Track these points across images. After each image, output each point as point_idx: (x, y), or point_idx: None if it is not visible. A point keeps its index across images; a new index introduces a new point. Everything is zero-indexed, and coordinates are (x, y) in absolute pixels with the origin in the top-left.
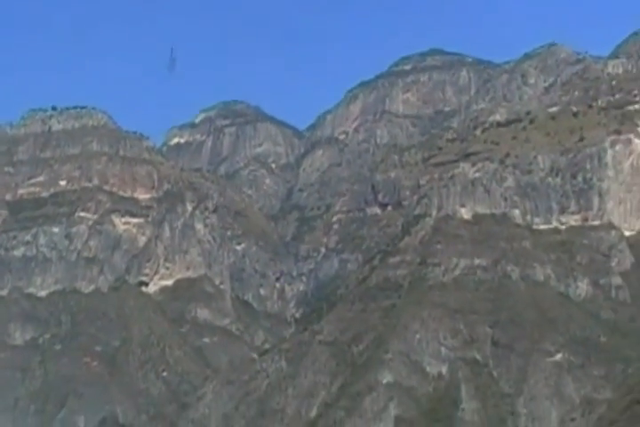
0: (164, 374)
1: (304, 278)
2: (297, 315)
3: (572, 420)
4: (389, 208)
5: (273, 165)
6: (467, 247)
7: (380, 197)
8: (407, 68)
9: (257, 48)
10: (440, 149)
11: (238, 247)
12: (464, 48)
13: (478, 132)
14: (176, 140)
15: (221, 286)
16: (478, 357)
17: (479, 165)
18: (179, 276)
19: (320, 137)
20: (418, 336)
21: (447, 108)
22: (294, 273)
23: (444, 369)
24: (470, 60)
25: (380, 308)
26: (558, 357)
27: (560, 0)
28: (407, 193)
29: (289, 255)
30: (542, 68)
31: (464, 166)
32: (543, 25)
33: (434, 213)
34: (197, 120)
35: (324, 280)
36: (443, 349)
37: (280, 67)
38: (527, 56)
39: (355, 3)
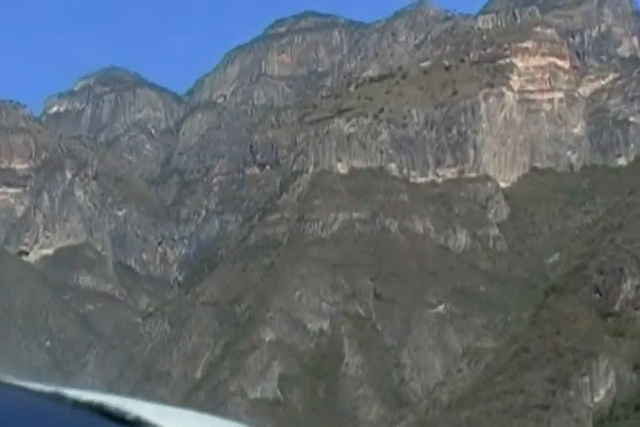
0: (48, 343)
1: (186, 241)
2: (180, 278)
3: (459, 371)
4: (268, 168)
5: (153, 131)
6: (344, 202)
7: (258, 157)
8: (282, 30)
9: (134, 12)
10: (315, 106)
11: (119, 213)
12: (336, 9)
13: (352, 88)
14: (55, 108)
15: (103, 253)
16: (361, 311)
17: (354, 120)
18: (59, 244)
19: (199, 101)
20: (298, 293)
21: (321, 69)
22: (176, 237)
23: (325, 325)
24: (342, 21)
25: (261, 266)
26: (440, 308)
27: None
28: (284, 152)
29: (170, 219)
30: (412, 25)
31: (339, 122)
32: None
33: (310, 169)
34: (76, 88)
35: (206, 242)
36: (324, 304)
37: (158, 32)
38: (397, 15)
39: None
